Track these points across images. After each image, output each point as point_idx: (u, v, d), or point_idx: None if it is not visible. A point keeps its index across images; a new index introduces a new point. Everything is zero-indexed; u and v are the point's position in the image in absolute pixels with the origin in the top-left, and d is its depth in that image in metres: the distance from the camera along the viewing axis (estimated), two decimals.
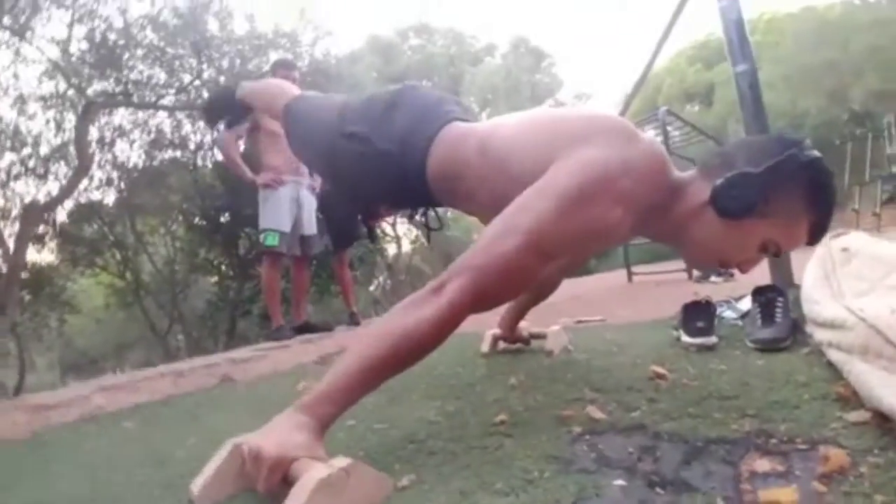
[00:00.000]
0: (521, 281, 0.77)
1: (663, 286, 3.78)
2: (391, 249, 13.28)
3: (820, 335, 1.01)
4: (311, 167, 1.49)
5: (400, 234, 13.90)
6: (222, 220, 7.69)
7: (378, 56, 16.77)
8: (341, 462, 0.60)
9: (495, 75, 16.85)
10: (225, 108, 1.49)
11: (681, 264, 4.20)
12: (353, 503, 0.59)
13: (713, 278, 3.62)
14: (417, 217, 1.22)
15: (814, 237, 0.80)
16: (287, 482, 0.61)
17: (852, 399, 0.73)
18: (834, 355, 0.89)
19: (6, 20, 5.70)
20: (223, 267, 8.18)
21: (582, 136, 0.78)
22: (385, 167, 0.99)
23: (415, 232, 14.46)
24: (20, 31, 5.84)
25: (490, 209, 0.84)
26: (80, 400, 1.55)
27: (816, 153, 0.77)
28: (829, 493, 0.50)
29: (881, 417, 0.62)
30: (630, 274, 4.52)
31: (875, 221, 7.20)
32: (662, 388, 0.95)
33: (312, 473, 0.57)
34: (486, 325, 1.59)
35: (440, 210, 1.23)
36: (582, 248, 0.84)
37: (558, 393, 1.01)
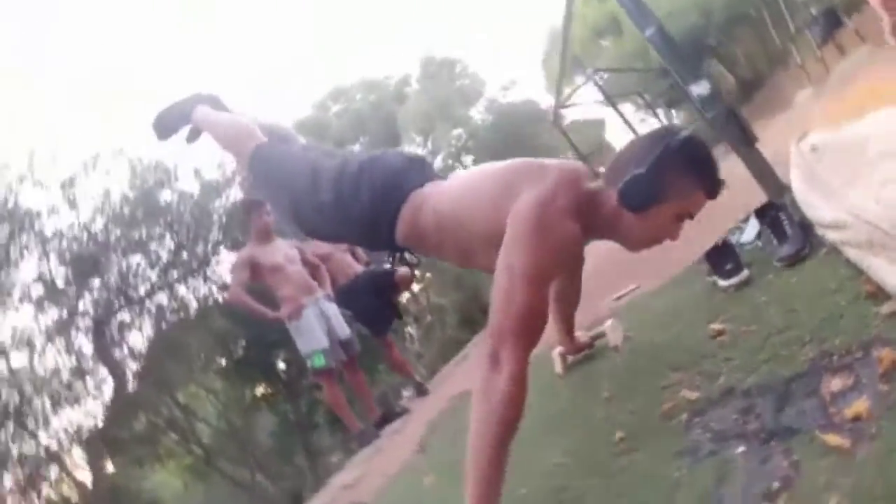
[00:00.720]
0: (545, 312, 0.95)
1: None
2: (403, 296, 13.37)
3: (830, 236, 1.14)
4: (278, 214, 1.60)
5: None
6: (249, 353, 7.85)
7: (309, 136, 17.26)
8: None
9: (421, 104, 17.29)
10: (176, 122, 1.59)
11: None
12: None
13: None
14: (396, 260, 1.37)
15: (712, 196, 0.99)
16: None
17: (879, 293, 0.85)
18: (849, 253, 1.02)
19: None
20: (272, 396, 8.26)
21: (515, 187, 0.99)
22: (356, 230, 1.27)
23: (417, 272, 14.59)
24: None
25: (456, 259, 1.19)
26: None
27: (685, 133, 0.97)
28: (892, 390, 0.63)
29: None
30: None
31: (822, 67, 7.38)
32: (727, 343, 1.08)
33: None
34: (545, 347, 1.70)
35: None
36: (565, 262, 1.04)
37: (648, 387, 1.13)
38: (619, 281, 2.53)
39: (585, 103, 5.53)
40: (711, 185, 0.98)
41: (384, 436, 2.86)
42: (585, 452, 1.04)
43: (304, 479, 8.12)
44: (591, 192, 1.02)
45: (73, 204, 6.52)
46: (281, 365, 8.12)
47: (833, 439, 0.60)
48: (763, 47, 13.14)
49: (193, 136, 1.66)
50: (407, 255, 1.35)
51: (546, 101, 20.17)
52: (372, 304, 3.40)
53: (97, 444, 6.84)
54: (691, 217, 1.01)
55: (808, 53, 8.04)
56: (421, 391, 3.39)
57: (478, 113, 19.34)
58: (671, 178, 0.94)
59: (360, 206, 1.20)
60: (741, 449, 0.72)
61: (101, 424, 7.19)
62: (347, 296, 3.32)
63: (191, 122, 1.59)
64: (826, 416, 0.67)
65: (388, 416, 3.20)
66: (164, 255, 7.05)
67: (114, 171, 6.89)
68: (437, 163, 17.68)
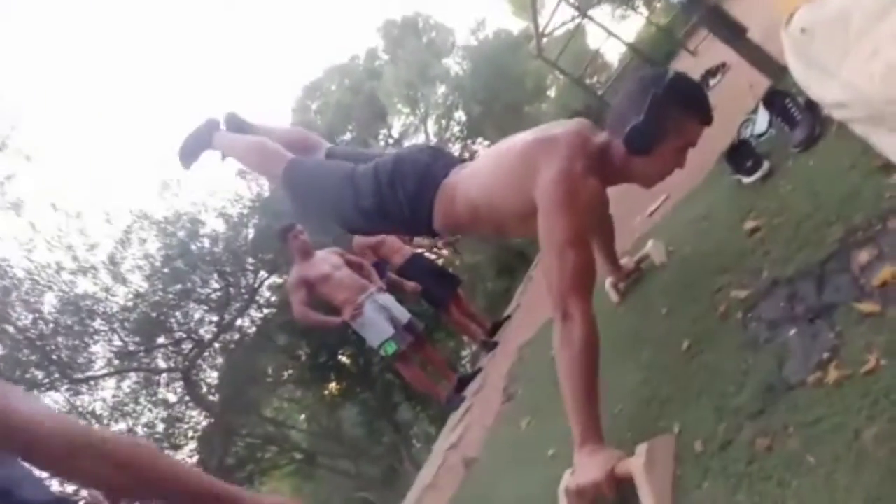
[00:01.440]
0: (593, 263, 1.10)
1: None
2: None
3: (836, 114, 1.21)
4: (317, 220, 1.77)
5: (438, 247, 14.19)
6: (315, 358, 8.29)
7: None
8: (641, 448, 0.88)
9: (400, 74, 16.94)
10: (198, 150, 1.71)
11: None
12: (665, 464, 0.87)
13: (712, 83, 3.71)
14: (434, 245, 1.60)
15: (706, 122, 1.15)
16: (620, 482, 0.89)
17: (889, 164, 0.94)
18: (856, 128, 1.09)
19: None
20: (350, 389, 8.75)
21: (532, 166, 1.12)
22: (399, 226, 1.49)
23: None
24: None
25: (494, 235, 1.45)
26: None
27: (670, 75, 1.10)
28: None
29: None
30: None
31: None
32: (765, 238, 1.19)
33: (636, 466, 0.86)
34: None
35: None
36: (597, 215, 1.21)
37: (700, 295, 1.26)
38: (646, 196, 2.61)
39: (562, 24, 5.39)
40: (704, 115, 1.13)
41: (468, 396, 3.10)
42: (660, 365, 1.19)
43: (398, 454, 8.70)
44: (600, 146, 1.16)
45: (123, 281, 6.94)
46: (347, 360, 8.56)
47: (867, 307, 0.72)
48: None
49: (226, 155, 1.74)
50: (446, 237, 1.53)
51: (517, 25, 19.44)
52: (431, 273, 3.65)
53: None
54: (693, 145, 1.15)
55: None
56: (489, 347, 3.61)
57: (455, 63, 18.84)
58: (666, 118, 1.08)
59: (398, 207, 1.38)
60: (793, 332, 0.85)
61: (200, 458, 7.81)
62: (410, 272, 3.63)
63: (212, 147, 1.71)
64: (858, 288, 0.79)
65: (466, 378, 3.44)
66: (216, 296, 7.43)
67: (144, 237, 7.24)
68: (430, 125, 17.50)
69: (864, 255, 0.82)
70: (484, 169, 1.30)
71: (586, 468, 0.95)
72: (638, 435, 1.04)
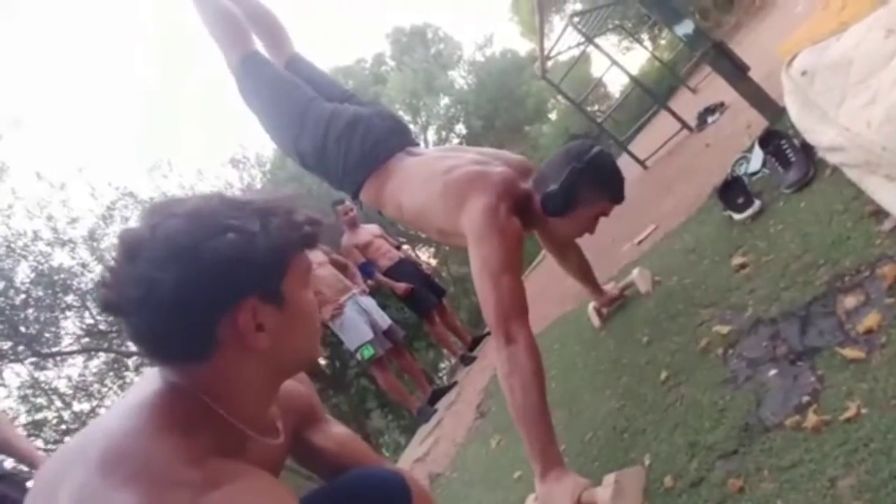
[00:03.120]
0: (523, 290, 1.12)
1: (675, 155, 3.93)
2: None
3: (831, 158, 1.21)
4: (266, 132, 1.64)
5: (425, 259, 14.18)
6: None
7: None
8: (609, 478, 0.86)
9: (403, 81, 17.02)
10: None
11: (675, 124, 4.33)
12: (634, 497, 0.85)
13: (710, 120, 3.76)
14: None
15: (617, 201, 1.27)
16: None
17: (880, 211, 0.94)
18: (850, 173, 1.10)
19: None
20: (323, 392, 8.61)
21: (464, 195, 1.18)
22: (327, 177, 1.50)
23: (432, 248, 14.71)
24: None
25: (411, 227, 1.54)
26: None
27: (592, 153, 1.21)
28: None
29: None
30: (642, 163, 4.67)
31: None
32: (751, 275, 1.18)
33: (603, 497, 0.83)
34: (574, 304, 1.81)
35: None
36: (520, 250, 1.22)
37: (683, 327, 1.25)
38: (637, 226, 2.62)
39: (567, 48, 5.45)
40: (614, 195, 1.24)
41: (441, 409, 3.04)
42: (637, 394, 1.17)
43: None
44: (525, 193, 1.24)
45: (100, 258, 6.76)
46: (323, 362, 8.43)
47: (851, 352, 0.71)
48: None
49: None
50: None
51: (524, 47, 19.70)
52: (413, 288, 3.60)
53: None
54: (604, 215, 1.28)
55: None
56: (466, 361, 3.57)
57: (460, 76, 19.00)
58: (579, 191, 1.19)
59: (335, 162, 1.42)
60: (773, 372, 0.83)
61: None
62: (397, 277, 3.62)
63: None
64: (843, 333, 0.77)
65: (440, 391, 3.39)
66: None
67: (128, 215, 7.07)
68: (430, 135, 17.54)
69: (850, 300, 0.81)
70: (418, 177, 1.33)
71: (552, 495, 0.92)
72: (607, 464, 1.01)
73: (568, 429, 1.31)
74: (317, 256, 3.31)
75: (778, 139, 1.48)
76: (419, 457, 2.41)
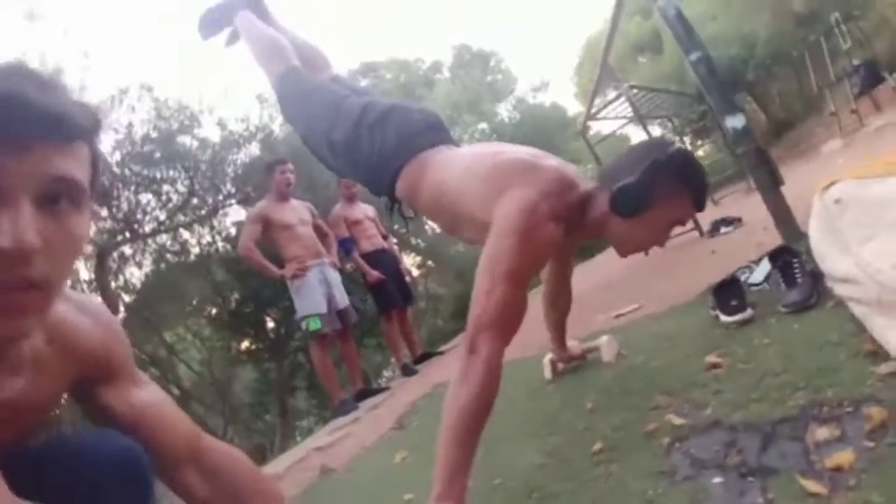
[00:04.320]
0: (522, 307, 0.99)
1: (679, 250, 3.91)
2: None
3: (839, 290, 1.15)
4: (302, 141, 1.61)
5: (408, 265, 14.08)
6: (245, 308, 7.91)
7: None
8: None
9: (451, 93, 17.18)
10: (220, 23, 1.64)
11: (688, 223, 4.32)
12: None
13: (723, 230, 3.76)
14: (394, 211, 1.43)
15: (698, 205, 1.08)
16: None
17: (880, 351, 0.87)
18: (856, 309, 1.03)
19: None
20: (257, 353, 8.35)
21: (507, 183, 1.03)
22: (360, 173, 1.35)
23: (419, 258, 14.65)
24: None
25: (444, 227, 1.31)
26: None
27: (675, 146, 1.04)
28: (878, 446, 0.65)
29: None
30: None
31: (855, 119, 7.31)
32: (722, 377, 1.10)
33: None
34: (537, 351, 1.74)
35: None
36: (542, 262, 1.09)
37: (634, 406, 1.15)
38: (620, 301, 2.56)
39: (614, 117, 5.49)
40: (698, 196, 1.06)
41: (363, 408, 2.90)
42: (563, 457, 1.07)
43: (272, 438, 8.24)
44: (581, 195, 1.08)
45: None
46: (270, 324, 8.19)
47: (811, 485, 0.62)
48: (799, 90, 12.99)
49: (232, 40, 1.70)
50: (404, 209, 1.40)
51: (573, 108, 20.05)
52: (385, 282, 3.49)
53: None
54: (679, 224, 1.09)
55: (843, 104, 7.94)
56: (407, 371, 3.43)
57: (505, 110, 19.23)
58: (660, 187, 1.01)
59: (369, 153, 1.27)
60: (719, 479, 0.74)
61: None
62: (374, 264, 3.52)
63: (233, 25, 1.62)
64: (807, 462, 0.68)
65: (369, 390, 3.25)
66: (175, 198, 7.12)
67: (139, 107, 6.91)
68: None
69: (823, 432, 0.73)
70: (464, 161, 1.20)
71: None
72: None
73: (478, 468, 1.19)
74: (303, 214, 3.20)
75: (790, 256, 1.43)
76: (321, 446, 2.27)
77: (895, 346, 0.78)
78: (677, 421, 0.97)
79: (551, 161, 1.13)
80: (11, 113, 0.42)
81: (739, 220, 3.80)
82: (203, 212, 7.15)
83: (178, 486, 0.75)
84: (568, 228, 1.04)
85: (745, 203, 3.89)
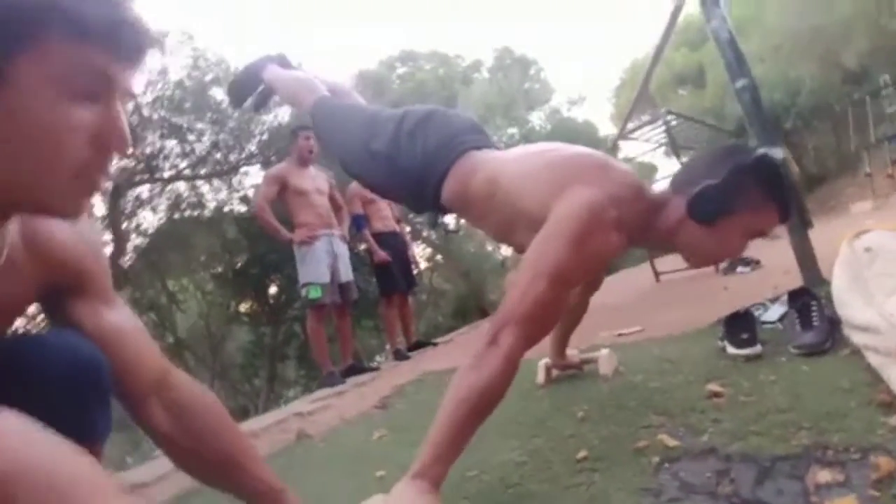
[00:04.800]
0: (557, 312, 0.94)
1: (692, 283, 3.85)
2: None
3: (857, 338, 1.11)
4: (336, 161, 1.61)
5: (418, 255, 14.09)
6: (250, 270, 7.94)
7: (368, 90, 17.12)
8: None
9: (487, 93, 17.08)
10: (249, 86, 1.63)
11: None
12: None
13: (739, 269, 3.68)
14: (438, 222, 1.37)
15: (784, 216, 0.97)
16: None
17: (894, 403, 0.83)
18: (873, 359, 0.99)
19: None
20: (256, 315, 8.40)
21: (572, 179, 0.95)
22: (403, 183, 1.22)
23: (427, 249, 14.64)
24: None
25: (497, 231, 1.16)
26: (172, 474, 1.65)
27: (760, 152, 0.96)
28: (882, 497, 0.61)
29: None
30: (657, 273, 4.59)
31: (890, 184, 7.15)
32: (722, 406, 1.06)
33: None
34: (534, 354, 1.70)
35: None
36: (593, 270, 1.01)
37: (627, 421, 1.12)
38: (626, 322, 2.51)
39: (646, 140, 5.41)
40: (784, 206, 0.96)
41: (349, 384, 2.89)
42: (544, 459, 1.04)
43: (256, 402, 8.29)
44: (651, 202, 1.00)
45: None
46: (273, 290, 8.23)
47: None
48: (836, 146, 12.73)
49: (262, 101, 1.70)
50: (447, 222, 1.35)
51: (605, 128, 19.85)
52: (392, 264, 3.48)
53: None
54: (761, 235, 0.99)
55: (879, 167, 7.77)
56: (399, 356, 3.42)
57: (538, 118, 19.08)
58: (744, 191, 0.93)
59: (411, 160, 1.19)
60: None
61: None
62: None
63: (263, 83, 1.62)
64: (806, 502, 0.65)
65: (359, 368, 3.23)
66: (199, 150, 7.16)
67: (177, 53, 6.94)
68: None
69: (825, 475, 0.69)
70: (523, 160, 1.12)
71: (402, 501, 0.78)
72: None
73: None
74: (321, 184, 3.19)
75: (810, 298, 1.38)
76: (301, 412, 2.25)
77: None
78: (670, 442, 0.94)
79: (624, 166, 1.04)
80: (136, 35, 0.51)
81: (758, 262, 3.72)
82: (224, 167, 7.18)
83: (141, 418, 0.73)
84: (630, 239, 0.97)
85: (767, 246, 3.81)
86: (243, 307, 8.39)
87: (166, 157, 7.11)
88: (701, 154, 1.08)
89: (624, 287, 4.78)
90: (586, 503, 0.80)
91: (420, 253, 14.00)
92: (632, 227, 0.95)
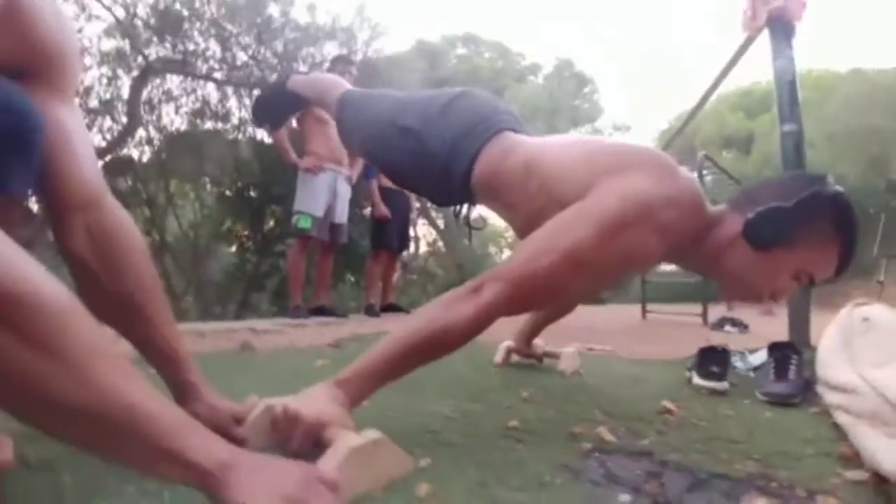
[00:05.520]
0: (553, 295, 0.84)
1: (677, 327, 3.78)
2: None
3: (830, 398, 1.04)
4: (357, 152, 1.55)
5: (420, 234, 14.03)
6: (252, 194, 7.87)
7: (424, 61, 16.88)
8: (372, 434, 0.66)
9: (538, 96, 16.87)
10: (276, 101, 1.50)
11: (696, 308, 4.17)
12: (377, 473, 0.65)
13: (727, 328, 3.62)
14: (461, 215, 1.25)
15: (842, 265, 0.85)
16: (318, 446, 0.67)
17: (854, 459, 0.76)
18: (842, 418, 0.93)
19: None
20: (245, 240, 8.34)
21: (627, 165, 0.83)
22: (431, 165, 1.06)
23: (433, 234, 14.59)
24: None
25: (526, 222, 0.94)
26: None
27: (839, 188, 0.84)
28: None
29: (879, 479, 0.66)
30: (644, 311, 4.52)
31: None
32: (671, 422, 1.00)
33: (347, 440, 0.64)
34: (496, 337, 1.65)
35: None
36: (615, 272, 0.87)
37: (570, 411, 1.06)
38: (599, 342, 2.45)
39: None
40: (847, 251, 0.84)
41: (313, 322, 2.84)
42: (475, 421, 0.98)
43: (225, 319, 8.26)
44: (707, 218, 0.88)
45: None
46: (270, 223, 8.16)
47: None
48: (860, 249, 12.61)
49: (288, 110, 1.62)
50: (472, 216, 1.23)
51: None
52: (391, 222, 3.41)
53: None
54: (811, 282, 0.86)
55: (893, 278, 7.66)
56: (371, 312, 3.36)
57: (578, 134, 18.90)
58: (813, 224, 0.81)
59: (442, 133, 1.04)
60: (626, 497, 0.64)
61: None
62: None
63: (287, 94, 1.47)
64: None
65: (327, 310, 3.18)
66: (239, 59, 7.03)
67: None
68: None
69: (761, 502, 0.62)
70: (563, 143, 0.99)
71: (309, 404, 0.73)
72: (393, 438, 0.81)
73: (384, 399, 1.11)
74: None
75: (791, 352, 1.31)
76: (255, 329, 2.21)
77: (878, 457, 0.68)
78: (607, 437, 0.88)
79: (687, 175, 0.89)
80: None
81: (747, 326, 3.66)
82: (253, 84, 7.05)
83: (61, 235, 0.67)
84: (672, 251, 0.86)
85: (761, 319, 3.75)
86: (237, 230, 8.32)
87: (206, 60, 7.00)
88: (773, 178, 0.96)
89: (608, 318, 4.72)
90: (501, 464, 0.73)
91: (423, 232, 13.93)
92: (677, 238, 0.83)
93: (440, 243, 14.86)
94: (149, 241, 8.74)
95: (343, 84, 1.39)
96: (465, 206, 1.20)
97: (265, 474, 0.54)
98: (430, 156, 1.05)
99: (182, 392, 0.77)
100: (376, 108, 1.20)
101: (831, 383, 1.07)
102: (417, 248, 14.38)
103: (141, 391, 0.48)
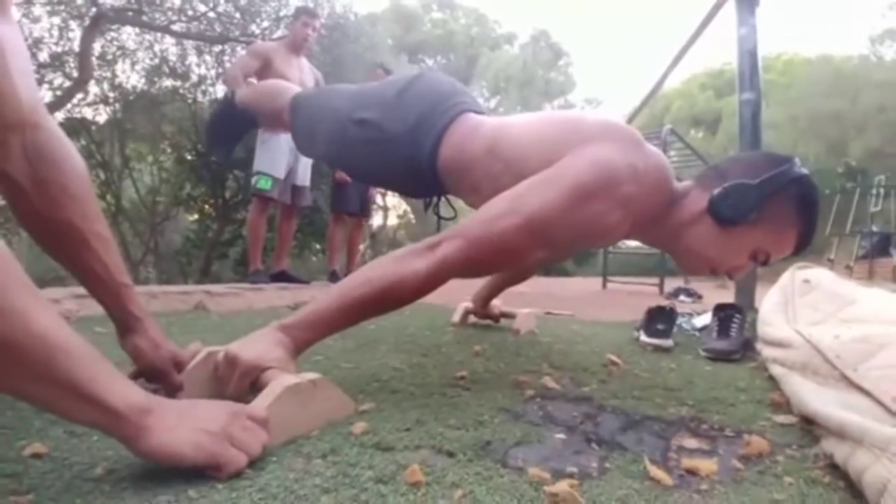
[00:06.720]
0: (511, 259, 0.81)
1: (634, 296, 3.89)
2: (377, 220, 13.25)
3: (767, 352, 1.09)
4: (317, 157, 1.45)
5: (389, 205, 13.90)
6: (213, 158, 7.56)
7: (398, 23, 16.41)
8: (311, 375, 0.64)
9: (512, 65, 16.73)
10: (227, 122, 1.38)
11: (654, 279, 4.30)
12: (316, 414, 0.63)
13: (682, 297, 3.75)
14: (431, 206, 1.20)
15: (800, 246, 0.86)
16: (257, 389, 0.65)
17: (784, 405, 0.80)
18: (776, 369, 0.97)
19: None
20: (206, 206, 8.05)
21: (594, 137, 0.81)
22: (395, 154, 1.01)
23: (403, 206, 14.46)
24: None
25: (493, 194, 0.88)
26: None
27: (805, 170, 0.84)
28: (745, 470, 0.56)
29: (806, 422, 0.69)
30: (605, 281, 4.63)
31: (847, 274, 7.45)
32: (614, 373, 1.02)
33: (282, 380, 0.62)
34: (454, 299, 1.65)
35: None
36: (576, 242, 0.86)
37: (518, 364, 1.07)
38: (557, 308, 2.50)
39: None
40: (807, 233, 0.85)
41: (272, 287, 2.78)
42: (422, 370, 0.98)
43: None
44: (673, 193, 0.87)
45: None
46: (231, 187, 7.88)
47: (656, 471, 0.53)
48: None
49: (241, 131, 1.42)
50: (442, 205, 1.18)
51: None
52: (353, 187, 3.32)
53: None
54: (765, 262, 0.87)
55: (844, 257, 8.08)
56: (334, 278, 3.31)
57: (549, 107, 18.90)
58: (776, 203, 0.81)
59: (402, 120, 1.00)
60: (561, 436, 0.65)
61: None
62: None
63: (239, 111, 1.35)
64: (663, 456, 0.60)
65: (288, 276, 3.11)
66: (198, 12, 6.61)
67: None
68: None
69: (692, 442, 0.65)
70: (528, 120, 0.95)
71: (252, 347, 0.72)
72: (342, 384, 0.80)
73: (342, 349, 1.10)
74: (307, 77, 2.98)
75: (734, 312, 1.36)
76: (211, 292, 2.15)
77: (805, 400, 0.70)
78: (550, 385, 0.89)
79: (653, 148, 0.87)
80: None
81: (701, 297, 3.80)
82: (212, 41, 6.67)
83: None
84: (637, 226, 0.86)
85: (714, 290, 3.91)
86: (196, 193, 7.99)
87: (163, 12, 6.54)
88: (740, 156, 0.95)
89: (569, 287, 4.82)
90: (444, 406, 0.73)
91: (393, 205, 13.78)
92: (641, 213, 0.83)
93: (411, 215, 14.77)
94: (104, 207, 8.39)
95: (291, 87, 1.32)
96: (436, 198, 1.16)
97: (188, 413, 0.51)
98: (392, 142, 1.00)
99: (125, 325, 0.74)
100: (330, 107, 1.13)
101: (769, 339, 1.11)
102: (386, 218, 14.27)
103: (54, 322, 0.45)
